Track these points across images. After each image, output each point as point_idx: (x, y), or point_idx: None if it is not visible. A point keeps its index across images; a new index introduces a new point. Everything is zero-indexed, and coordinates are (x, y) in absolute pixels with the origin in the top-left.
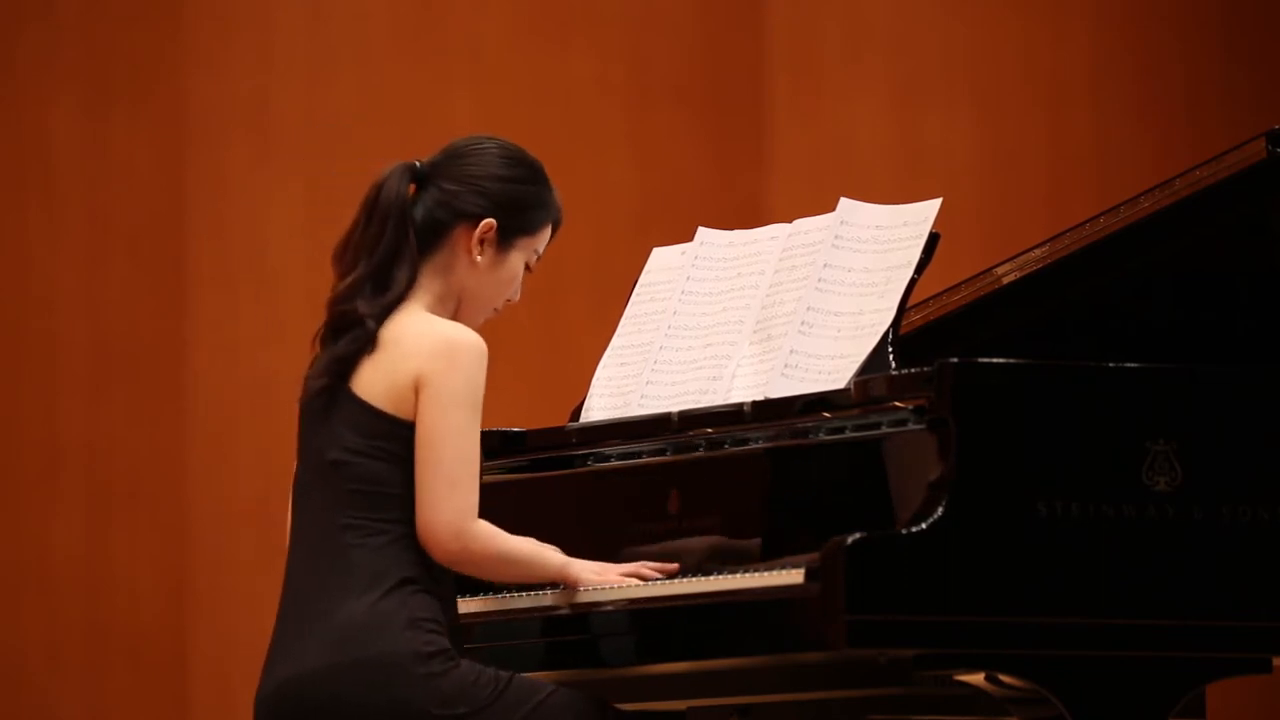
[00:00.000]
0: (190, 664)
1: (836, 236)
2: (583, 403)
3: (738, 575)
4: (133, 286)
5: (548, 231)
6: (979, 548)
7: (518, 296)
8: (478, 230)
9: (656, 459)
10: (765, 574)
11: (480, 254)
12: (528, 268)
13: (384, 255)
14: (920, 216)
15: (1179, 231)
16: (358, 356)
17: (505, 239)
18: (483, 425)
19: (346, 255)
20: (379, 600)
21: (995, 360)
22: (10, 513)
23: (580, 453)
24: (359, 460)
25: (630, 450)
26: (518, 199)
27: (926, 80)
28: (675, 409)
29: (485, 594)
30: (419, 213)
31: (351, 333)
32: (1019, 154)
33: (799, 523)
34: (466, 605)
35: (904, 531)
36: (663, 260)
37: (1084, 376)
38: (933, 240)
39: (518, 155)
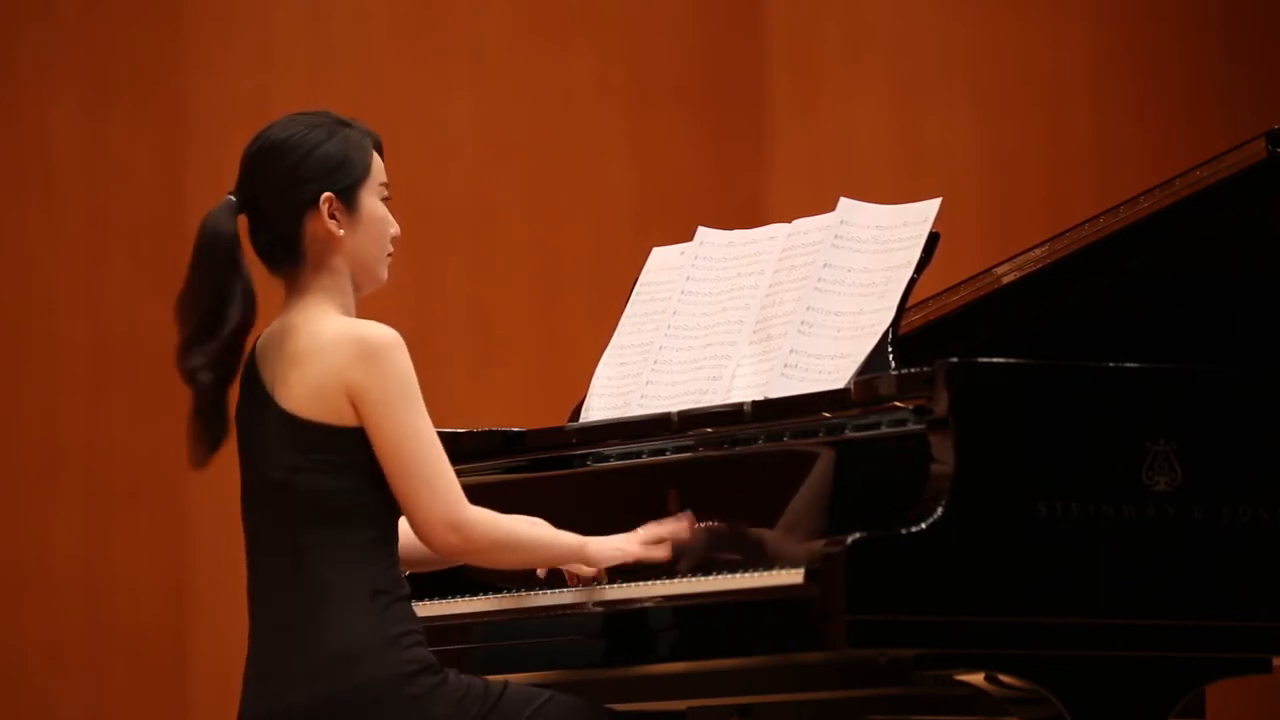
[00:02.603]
0: (190, 664)
1: (836, 236)
2: (583, 402)
3: (738, 575)
4: (133, 286)
5: (376, 161)
6: (979, 548)
7: (398, 229)
8: (322, 210)
9: (656, 459)
10: (765, 574)
11: (339, 226)
12: (388, 201)
13: (214, 299)
14: (920, 216)
15: (1179, 231)
16: (217, 409)
17: (348, 199)
18: (483, 425)
19: (182, 307)
20: (355, 620)
21: (995, 360)
22: (10, 513)
23: (580, 453)
24: (302, 477)
25: (630, 450)
26: (332, 159)
27: (926, 80)
28: (675, 409)
29: (485, 594)
30: (265, 237)
31: (195, 392)
32: (1019, 154)
33: (799, 522)
34: (467, 605)
35: (904, 531)
36: (663, 260)
37: (1084, 376)
38: (933, 240)
39: (302, 123)
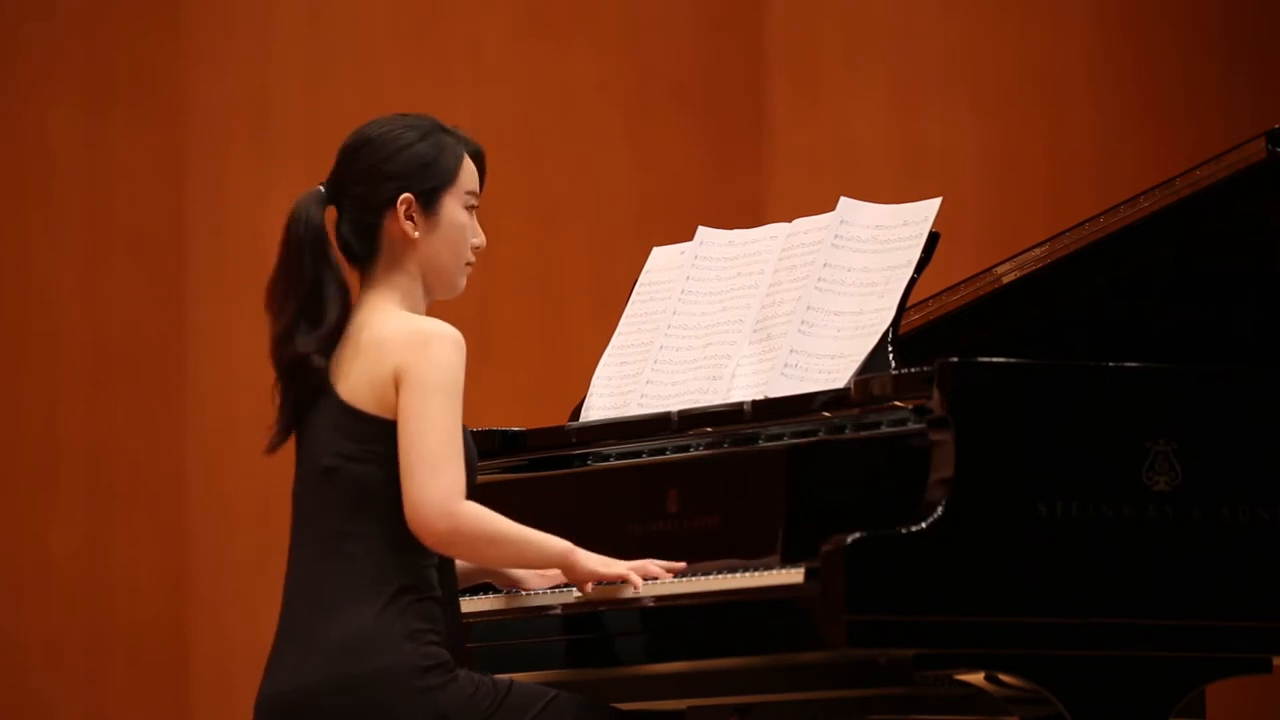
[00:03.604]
0: (190, 664)
1: (836, 236)
2: (583, 402)
3: (738, 575)
4: (133, 286)
5: (466, 169)
6: (979, 548)
7: (482, 239)
8: (399, 210)
9: (656, 459)
10: (765, 574)
11: (414, 229)
12: (474, 210)
13: (310, 288)
14: (920, 216)
15: (1179, 231)
16: (315, 395)
17: (428, 202)
18: (483, 425)
19: (276, 297)
20: (378, 612)
21: (995, 360)
22: (10, 513)
23: (580, 452)
24: (350, 465)
25: (630, 450)
26: (417, 162)
27: (926, 80)
28: (675, 409)
29: (486, 594)
30: (346, 228)
31: (302, 377)
32: (1019, 154)
33: (799, 522)
34: (468, 605)
35: (904, 531)
36: (663, 260)
37: (1084, 376)
38: (933, 240)
39: (400, 123)
